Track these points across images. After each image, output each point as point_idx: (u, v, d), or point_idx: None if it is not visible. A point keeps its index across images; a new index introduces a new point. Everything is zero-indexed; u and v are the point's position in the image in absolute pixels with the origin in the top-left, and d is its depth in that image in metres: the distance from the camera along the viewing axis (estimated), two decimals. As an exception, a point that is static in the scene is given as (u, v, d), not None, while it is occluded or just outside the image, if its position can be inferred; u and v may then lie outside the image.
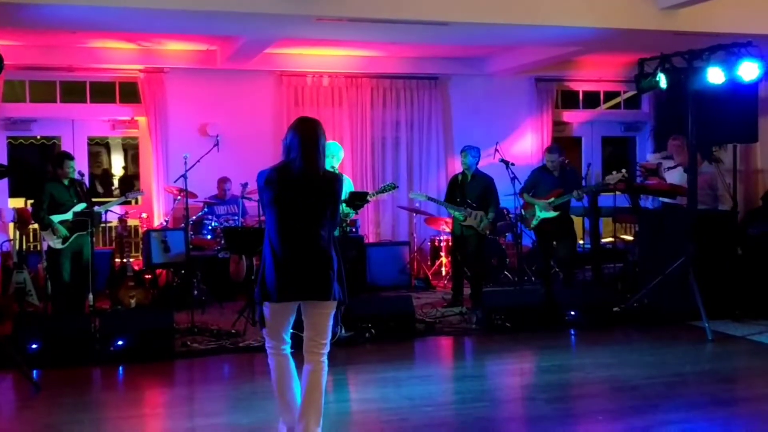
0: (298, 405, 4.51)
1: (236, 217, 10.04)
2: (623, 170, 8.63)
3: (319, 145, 4.42)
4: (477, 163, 9.19)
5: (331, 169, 6.72)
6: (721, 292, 8.26)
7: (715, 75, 7.79)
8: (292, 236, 4.39)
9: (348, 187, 7.83)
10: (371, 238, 11.47)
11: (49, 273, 8.17)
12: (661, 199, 9.14)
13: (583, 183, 9.33)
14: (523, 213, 9.31)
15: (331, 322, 4.52)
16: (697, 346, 7.38)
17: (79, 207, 7.99)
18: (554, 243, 9.20)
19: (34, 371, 6.50)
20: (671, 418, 5.36)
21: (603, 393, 6.12)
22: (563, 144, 10.74)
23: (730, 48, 7.75)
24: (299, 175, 4.35)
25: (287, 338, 4.58)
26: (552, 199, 8.89)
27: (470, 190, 9.08)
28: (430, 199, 9.61)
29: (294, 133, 4.41)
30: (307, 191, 4.37)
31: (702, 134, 8.24)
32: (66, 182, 8.04)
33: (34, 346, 6.76)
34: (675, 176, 8.85)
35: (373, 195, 8.21)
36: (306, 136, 4.39)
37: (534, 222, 9.08)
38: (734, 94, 8.27)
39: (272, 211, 4.44)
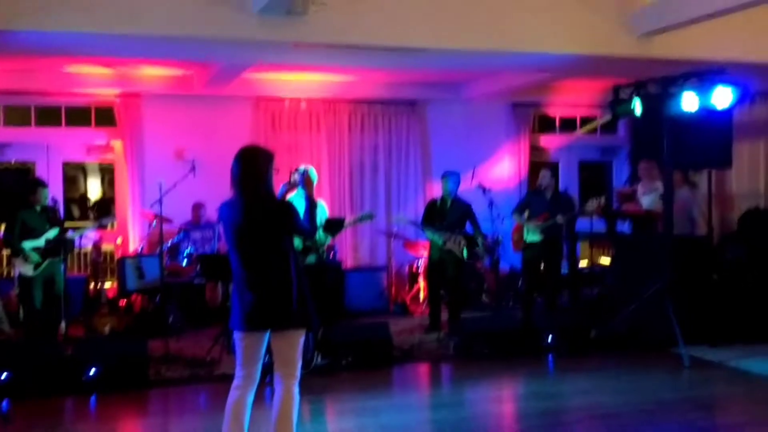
0: None
1: (212, 243, 9.95)
2: (602, 197, 8.75)
3: (258, 173, 4.37)
4: (457, 189, 9.22)
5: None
6: (698, 317, 8.27)
7: (689, 101, 7.86)
8: (247, 267, 4.39)
9: (322, 212, 7.79)
10: (349, 263, 11.42)
11: (21, 300, 8.06)
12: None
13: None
14: (512, 236, 9.42)
15: (298, 352, 4.46)
16: (674, 373, 7.38)
17: (52, 233, 7.91)
18: (540, 267, 9.26)
19: (4, 401, 6.38)
20: (649, 447, 5.34)
21: (580, 421, 6.11)
22: (540, 168, 10.79)
23: (704, 74, 7.82)
24: (242, 207, 4.33)
25: (257, 375, 4.51)
26: (539, 223, 8.99)
27: (449, 215, 9.09)
28: (412, 223, 9.57)
29: (234, 164, 4.39)
30: (252, 222, 4.34)
31: (677, 160, 8.30)
32: (38, 209, 7.94)
33: (3, 375, 6.62)
34: (646, 201, 8.90)
35: (350, 223, 8.19)
36: (243, 167, 4.38)
37: (522, 244, 9.18)
38: (709, 120, 8.32)
39: (228, 243, 4.48)
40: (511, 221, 9.62)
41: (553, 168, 11.85)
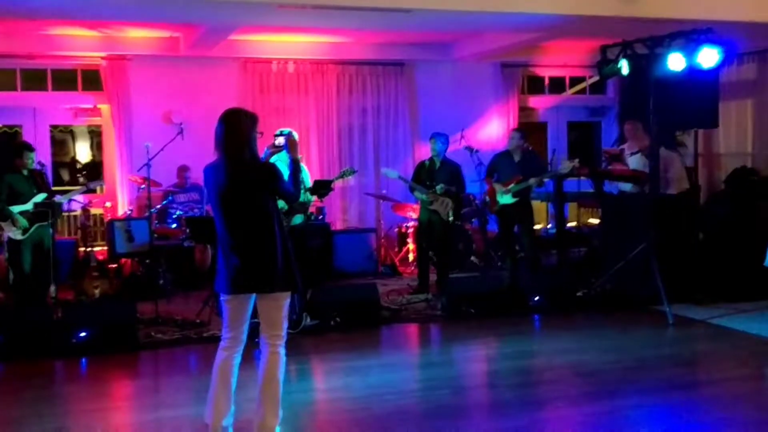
0: (223, 419, 4.47)
1: (200, 205, 9.98)
2: (576, 159, 8.80)
3: (242, 136, 4.37)
4: (446, 150, 9.22)
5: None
6: (683, 275, 8.36)
7: (675, 61, 7.86)
8: (231, 230, 4.41)
9: (305, 175, 7.81)
10: (338, 225, 11.46)
11: (10, 264, 8.08)
12: (620, 187, 9.24)
13: (549, 168, 9.41)
14: (486, 198, 9.45)
15: (284, 313, 4.51)
16: (658, 331, 7.48)
17: (40, 197, 7.90)
18: (515, 228, 9.32)
19: (-5, 364, 6.45)
20: (631, 404, 5.43)
21: (565, 378, 6.19)
22: (529, 129, 10.82)
23: (691, 35, 7.81)
24: (226, 170, 4.35)
25: (244, 337, 4.57)
26: (511, 185, 9.02)
27: (438, 176, 9.09)
28: (401, 178, 9.59)
29: (218, 127, 4.40)
30: (236, 185, 4.36)
31: (664, 120, 8.32)
32: (25, 173, 7.93)
33: (-6, 338, 6.69)
34: (632, 161, 8.93)
35: (333, 181, 8.20)
36: (228, 129, 4.38)
37: (496, 207, 9.20)
38: (695, 80, 8.34)
39: (212, 207, 4.50)
40: (484, 185, 9.60)
41: (541, 129, 11.90)
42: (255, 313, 4.58)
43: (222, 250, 4.47)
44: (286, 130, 5.05)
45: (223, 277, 4.45)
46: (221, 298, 4.55)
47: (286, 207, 7.14)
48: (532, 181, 8.98)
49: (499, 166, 9.34)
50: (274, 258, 4.38)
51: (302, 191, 7.18)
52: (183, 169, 10.33)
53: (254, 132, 4.44)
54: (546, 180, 9.43)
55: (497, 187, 9.19)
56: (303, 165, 7.81)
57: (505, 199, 9.12)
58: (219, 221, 4.45)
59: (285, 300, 4.48)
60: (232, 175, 4.34)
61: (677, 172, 8.78)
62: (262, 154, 4.69)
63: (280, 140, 4.89)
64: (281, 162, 5.63)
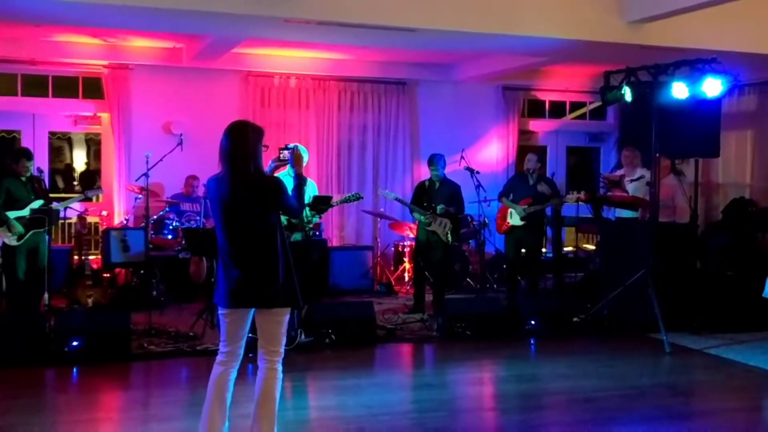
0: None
1: (198, 217, 9.93)
2: (582, 192, 8.81)
3: (247, 149, 4.31)
4: (444, 170, 9.20)
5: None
6: (680, 304, 8.33)
7: (679, 90, 7.87)
8: (233, 243, 4.36)
9: (312, 190, 7.78)
10: (335, 242, 11.42)
11: (4, 270, 8.02)
12: (616, 213, 9.24)
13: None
14: (484, 220, 9.46)
15: (283, 330, 4.45)
16: (654, 359, 7.43)
17: (37, 204, 7.85)
18: (522, 251, 9.31)
19: (-15, 371, 6.38)
20: (626, 432, 5.40)
21: (560, 404, 6.15)
22: (528, 152, 10.82)
23: (695, 64, 7.82)
24: (231, 182, 4.30)
25: (241, 352, 4.51)
26: (523, 206, 9.06)
27: (438, 196, 9.07)
28: (397, 199, 9.58)
29: (223, 139, 4.35)
30: (240, 198, 4.31)
31: (665, 147, 8.33)
32: (24, 178, 7.88)
33: (-15, 345, 6.62)
34: (632, 188, 8.92)
35: (337, 203, 8.17)
36: (233, 142, 4.32)
37: (505, 227, 9.23)
38: (698, 109, 8.35)
39: (215, 218, 4.45)
40: (497, 204, 9.65)
41: (540, 153, 11.88)
42: (252, 329, 4.53)
43: (222, 262, 4.41)
44: (292, 144, 5.00)
45: (223, 289, 4.39)
46: (219, 311, 4.49)
47: (285, 223, 7.12)
48: (539, 205, 9.04)
49: (513, 188, 9.41)
50: (275, 273, 4.33)
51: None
52: (191, 178, 10.31)
53: (260, 145, 4.39)
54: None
55: (511, 205, 9.21)
56: (311, 181, 7.78)
57: (515, 220, 9.15)
58: (221, 233, 4.40)
59: (285, 316, 4.42)
60: (236, 187, 4.29)
61: (684, 200, 8.80)
62: (266, 167, 4.65)
63: (285, 154, 4.85)
64: (287, 175, 5.59)
